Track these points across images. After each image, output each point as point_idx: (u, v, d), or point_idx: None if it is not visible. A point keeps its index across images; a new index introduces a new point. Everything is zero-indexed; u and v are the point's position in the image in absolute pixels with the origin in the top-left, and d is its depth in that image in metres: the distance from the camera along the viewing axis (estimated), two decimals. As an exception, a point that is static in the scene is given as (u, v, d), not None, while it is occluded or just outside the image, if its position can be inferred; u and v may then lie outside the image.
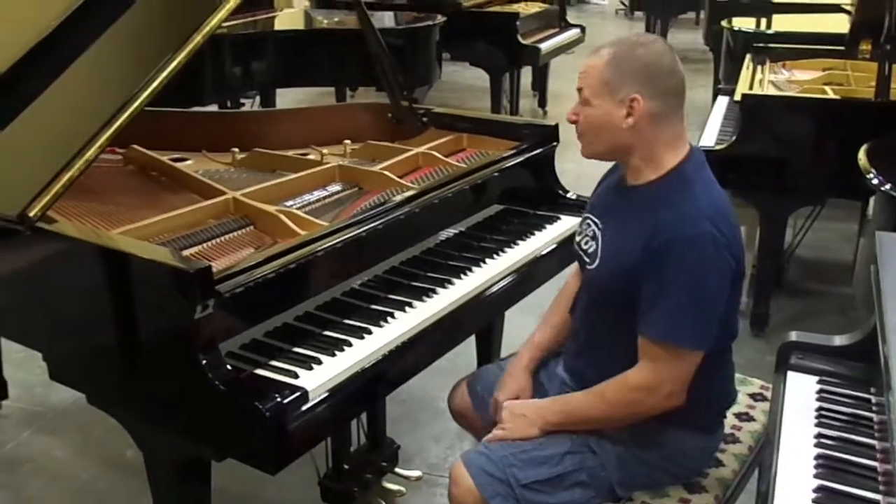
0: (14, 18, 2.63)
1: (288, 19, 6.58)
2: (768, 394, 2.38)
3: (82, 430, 3.32)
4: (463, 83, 9.15)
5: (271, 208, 2.38)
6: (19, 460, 3.18)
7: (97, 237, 2.09)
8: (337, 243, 2.17)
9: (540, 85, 8.27)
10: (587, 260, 2.12)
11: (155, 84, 2.13)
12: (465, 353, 3.04)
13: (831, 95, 3.91)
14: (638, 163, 2.02)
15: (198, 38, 2.21)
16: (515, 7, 7.49)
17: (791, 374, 2.04)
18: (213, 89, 5.19)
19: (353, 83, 7.36)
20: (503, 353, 3.12)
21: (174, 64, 2.17)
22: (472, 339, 3.09)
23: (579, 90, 2.02)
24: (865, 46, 4.12)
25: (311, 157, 2.99)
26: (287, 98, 6.97)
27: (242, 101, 6.61)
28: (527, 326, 2.47)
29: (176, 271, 1.84)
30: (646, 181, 2.03)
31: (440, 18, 6.21)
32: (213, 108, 5.72)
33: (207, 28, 2.22)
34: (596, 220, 2.14)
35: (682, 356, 1.92)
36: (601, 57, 1.98)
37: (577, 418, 2.06)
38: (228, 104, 6.16)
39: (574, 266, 2.37)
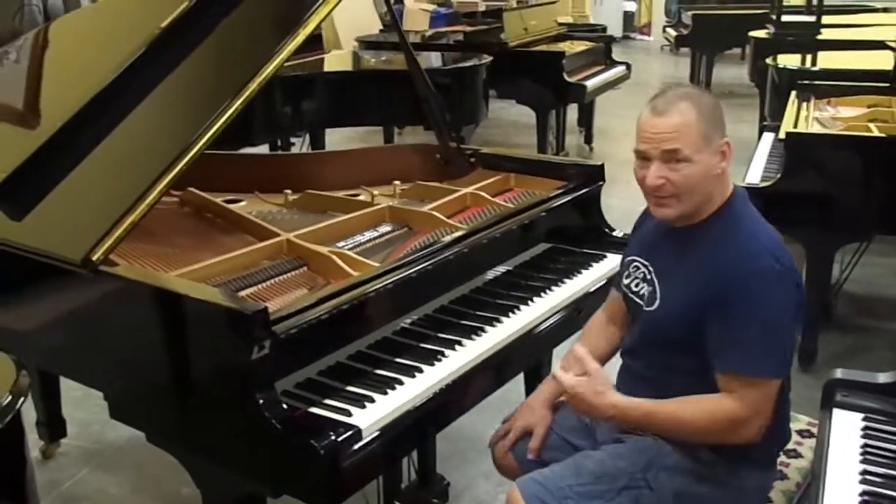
0: (77, 67, 2.74)
1: (337, 60, 6.70)
2: (815, 430, 2.39)
3: (138, 468, 3.39)
4: (508, 119, 9.23)
5: (324, 249, 2.45)
6: (77, 498, 3.25)
7: (156, 279, 2.16)
8: (388, 284, 2.23)
9: (586, 121, 8.33)
10: (642, 303, 2.16)
11: (214, 129, 2.21)
12: (515, 390, 3.07)
13: (875, 133, 3.92)
14: (703, 205, 2.06)
15: (254, 86, 2.28)
16: (561, 46, 7.59)
17: (836, 412, 2.06)
18: (264, 129, 5.32)
19: (401, 122, 7.47)
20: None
21: (232, 110, 2.25)
22: (520, 377, 3.12)
23: (672, 151, 1.97)
24: (911, 83, 4.14)
25: (361, 197, 3.06)
26: (336, 136, 7.08)
27: (292, 140, 6.73)
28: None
29: (234, 313, 1.91)
30: (696, 221, 2.07)
31: (487, 59, 6.31)
32: (264, 147, 5.86)
33: (264, 75, 2.29)
34: (645, 262, 2.18)
35: (763, 386, 1.96)
36: (688, 113, 1.98)
37: (660, 430, 2.07)
38: (279, 144, 6.29)
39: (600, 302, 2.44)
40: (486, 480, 3.30)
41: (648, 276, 2.16)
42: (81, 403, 3.62)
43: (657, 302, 2.11)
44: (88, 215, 2.31)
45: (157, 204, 2.18)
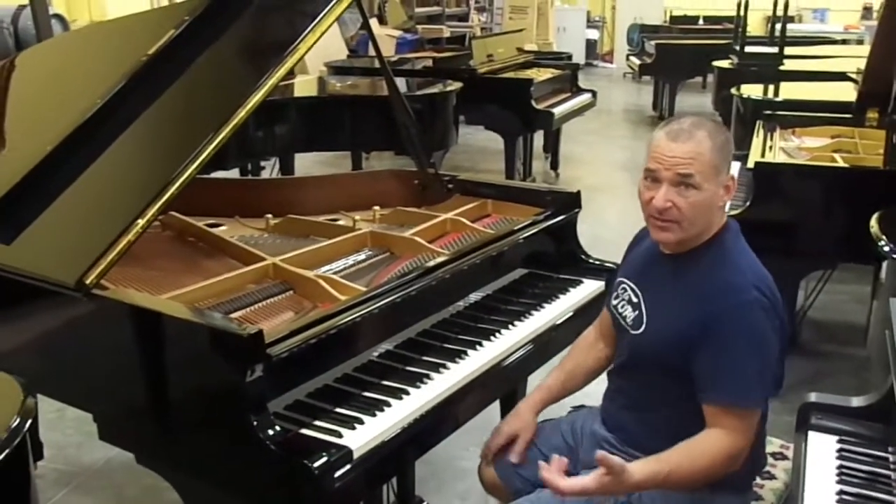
0: (65, 92, 2.77)
1: (304, 86, 6.75)
2: (788, 452, 2.46)
3: (117, 490, 3.38)
4: (476, 146, 9.31)
5: (310, 274, 2.49)
6: (55, 521, 3.25)
7: (149, 302, 2.18)
8: (375, 307, 2.27)
9: (552, 147, 8.42)
10: (629, 325, 2.21)
11: (206, 153, 2.26)
12: (490, 414, 3.10)
13: (841, 163, 4.02)
14: (700, 235, 2.11)
15: (246, 109, 2.34)
16: (529, 73, 7.68)
17: (812, 434, 2.13)
18: (237, 154, 5.33)
19: (370, 147, 7.52)
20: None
21: (224, 134, 2.30)
22: (496, 403, 3.17)
23: (685, 176, 2.02)
24: (872, 115, 4.26)
25: (341, 222, 3.10)
26: (304, 161, 7.11)
27: (262, 164, 6.75)
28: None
29: (229, 336, 1.94)
30: (686, 249, 2.13)
31: (457, 85, 6.39)
32: (235, 172, 5.87)
33: (256, 98, 2.35)
34: (634, 286, 2.23)
35: (750, 416, 2.01)
36: (704, 143, 2.01)
37: (665, 480, 2.02)
38: (249, 168, 6.31)
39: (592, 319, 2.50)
40: (462, 502, 3.33)
41: (635, 300, 2.21)
42: (56, 426, 3.62)
43: (643, 326, 2.16)
44: (80, 239, 2.33)
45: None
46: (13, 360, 2.42)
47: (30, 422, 1.43)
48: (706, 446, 2.01)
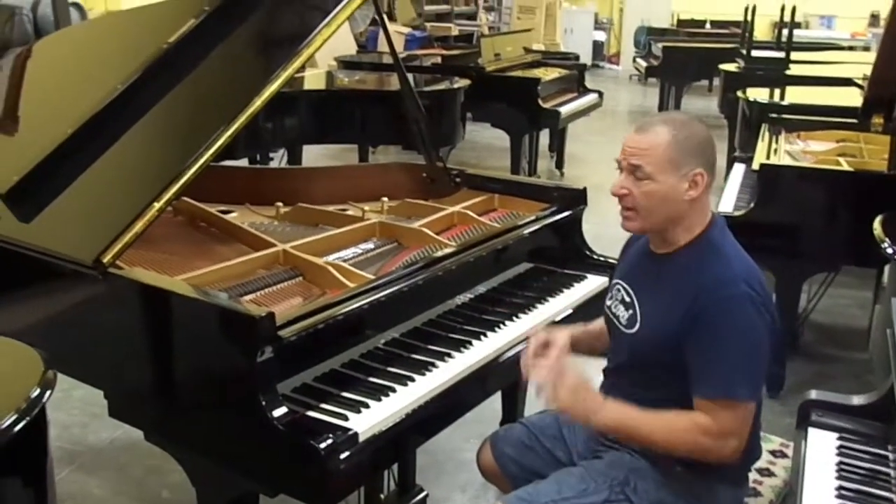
0: (86, 77, 2.81)
1: (313, 79, 6.79)
2: (788, 451, 2.49)
3: (120, 469, 3.42)
4: (482, 143, 9.34)
5: (320, 261, 2.52)
6: (60, 497, 3.26)
7: (164, 282, 2.22)
8: (383, 295, 2.30)
9: (557, 147, 8.44)
10: (623, 325, 2.24)
11: (224, 137, 2.30)
12: (490, 407, 3.14)
13: (846, 167, 4.05)
14: (677, 232, 2.15)
15: (257, 104, 2.38)
16: (537, 72, 7.72)
17: (812, 431, 2.16)
18: (246, 144, 5.37)
19: (376, 141, 7.56)
20: (527, 410, 3.24)
21: (235, 126, 2.34)
22: (497, 394, 3.20)
23: (636, 166, 2.09)
24: (878, 120, 4.28)
25: (350, 212, 3.13)
26: (311, 153, 7.14)
27: (271, 155, 6.79)
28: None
29: (242, 317, 1.98)
30: (675, 248, 2.16)
31: (464, 82, 6.42)
32: (244, 161, 5.91)
33: (266, 94, 2.40)
34: (627, 286, 2.26)
35: (739, 408, 2.03)
36: (661, 135, 2.08)
37: (635, 435, 2.11)
38: (258, 158, 6.34)
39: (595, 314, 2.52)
40: (462, 493, 3.36)
41: (628, 300, 2.24)
42: (61, 405, 3.66)
43: (637, 325, 2.19)
44: (98, 219, 2.38)
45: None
46: (28, 336, 2.45)
47: (49, 393, 1.46)
48: (689, 429, 2.04)
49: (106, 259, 2.15)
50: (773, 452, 2.53)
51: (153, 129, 2.55)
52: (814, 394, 2.24)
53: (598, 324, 2.45)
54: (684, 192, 2.09)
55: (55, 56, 3.33)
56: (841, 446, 2.09)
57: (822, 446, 2.10)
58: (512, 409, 3.28)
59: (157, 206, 2.20)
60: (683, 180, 2.09)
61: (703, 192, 2.11)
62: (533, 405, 3.02)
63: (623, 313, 2.24)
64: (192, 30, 2.67)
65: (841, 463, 2.02)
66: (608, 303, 2.33)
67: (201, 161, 2.27)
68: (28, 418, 1.40)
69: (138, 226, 2.18)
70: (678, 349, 2.07)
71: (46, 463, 1.53)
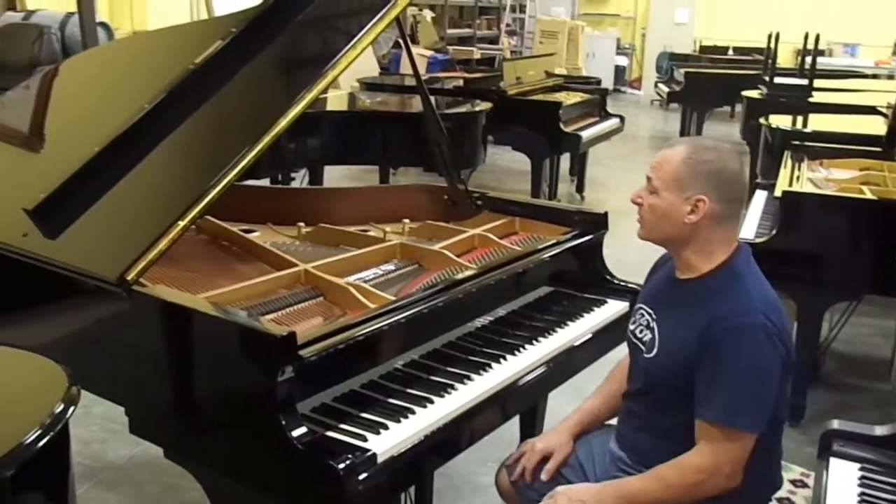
0: (112, 97, 2.83)
1: (335, 101, 6.82)
2: (809, 481, 2.47)
3: (139, 486, 3.43)
4: (502, 166, 9.36)
5: (341, 281, 2.53)
6: (78, 514, 3.29)
7: (186, 300, 2.22)
8: (404, 316, 2.30)
9: (578, 171, 8.44)
10: (643, 348, 2.24)
11: (249, 157, 2.32)
12: (508, 430, 3.13)
13: (869, 195, 4.03)
14: (690, 256, 2.16)
15: (281, 125, 2.41)
16: (558, 96, 7.73)
17: (833, 461, 2.14)
18: (269, 164, 5.40)
19: (397, 163, 7.58)
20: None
21: (260, 146, 2.36)
22: (516, 417, 3.19)
23: (648, 178, 2.16)
24: (903, 149, 4.26)
25: (371, 233, 3.14)
26: (332, 174, 7.17)
27: (292, 175, 6.82)
28: (567, 407, 2.59)
29: (264, 336, 1.99)
30: (698, 275, 2.17)
31: (485, 105, 6.44)
32: (266, 182, 5.94)
33: (290, 115, 2.42)
34: (650, 310, 2.27)
35: (738, 438, 2.03)
36: (677, 153, 2.12)
37: (637, 502, 2.12)
38: (279, 178, 6.37)
39: (617, 353, 2.52)
40: (479, 516, 3.36)
41: (651, 324, 2.25)
42: (81, 422, 3.67)
43: (655, 350, 2.20)
44: (123, 237, 2.39)
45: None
46: (52, 352, 2.46)
47: (73, 409, 1.47)
48: (682, 475, 2.07)
49: (130, 276, 2.17)
50: (793, 482, 2.51)
51: (179, 148, 2.58)
52: (836, 423, 2.21)
53: (606, 392, 2.47)
54: (685, 215, 2.11)
55: (82, 75, 3.37)
56: (863, 477, 2.07)
57: (843, 476, 2.08)
58: (530, 434, 3.26)
59: (181, 224, 2.22)
60: (686, 203, 2.10)
61: (703, 220, 2.11)
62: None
63: (645, 337, 2.24)
64: (218, 51, 2.69)
65: (863, 494, 2.00)
66: (631, 327, 2.34)
67: (225, 181, 2.29)
68: (52, 434, 1.41)
69: (162, 244, 2.20)
70: (690, 376, 2.08)
71: (69, 478, 1.54)
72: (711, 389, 2.03)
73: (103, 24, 7.15)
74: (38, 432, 1.38)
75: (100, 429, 3.71)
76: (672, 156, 2.12)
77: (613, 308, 2.99)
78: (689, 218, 2.10)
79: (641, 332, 2.28)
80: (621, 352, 2.51)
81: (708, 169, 2.10)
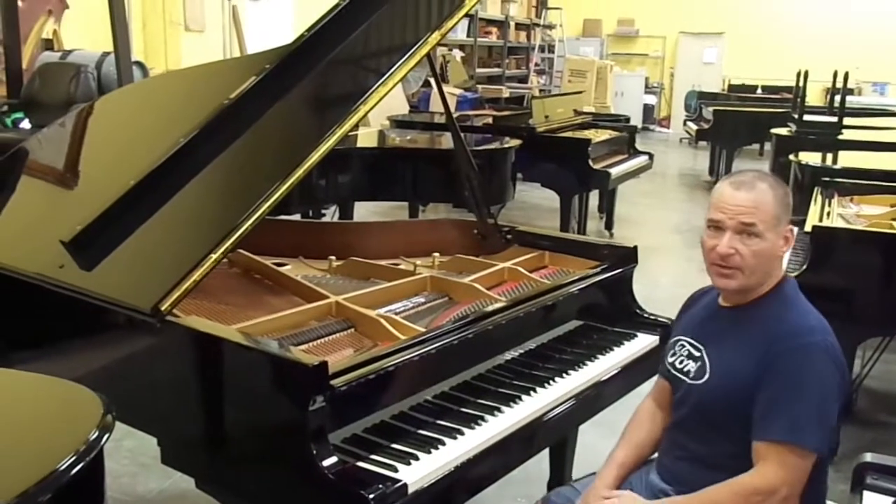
0: (148, 131, 2.88)
1: (365, 138, 6.88)
2: (841, 515, 2.45)
3: (167, 520, 3.45)
4: (531, 202, 9.38)
5: (372, 313, 2.55)
6: (108, 546, 3.30)
7: (219, 331, 2.25)
8: (434, 348, 2.32)
9: (607, 208, 8.46)
10: (690, 377, 2.23)
11: (274, 198, 2.35)
12: (536, 465, 3.12)
13: (901, 231, 4.02)
14: (754, 284, 2.16)
15: (313, 159, 2.44)
16: (587, 133, 7.76)
17: (867, 494, 2.12)
18: (300, 200, 5.45)
19: (426, 200, 7.62)
20: (575, 467, 3.21)
21: (291, 181, 2.40)
22: (545, 451, 3.18)
23: (748, 224, 2.10)
24: (933, 185, 4.25)
25: (402, 267, 3.16)
26: (362, 210, 7.22)
27: (323, 211, 6.87)
28: (597, 442, 2.57)
29: (296, 365, 2.01)
30: (748, 300, 2.18)
31: (515, 142, 6.48)
32: (297, 217, 5.98)
33: (321, 151, 2.46)
34: (693, 340, 2.27)
35: (802, 457, 2.02)
36: (767, 194, 2.12)
37: None
38: (311, 214, 6.42)
39: (646, 388, 2.51)
40: (509, 552, 3.34)
41: (696, 353, 2.24)
42: (111, 455, 3.68)
43: (706, 375, 2.19)
44: (157, 268, 2.43)
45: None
46: (87, 381, 2.50)
47: (107, 436, 1.48)
48: (732, 484, 2.04)
49: (164, 307, 2.20)
50: (826, 516, 2.49)
51: (212, 182, 2.62)
52: (869, 456, 2.20)
53: (634, 440, 2.40)
54: (780, 249, 2.14)
55: (118, 111, 3.43)
56: (896, 510, 2.05)
57: (877, 510, 2.06)
58: (560, 470, 3.26)
59: (213, 257, 2.25)
60: (780, 237, 2.13)
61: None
62: (581, 467, 3.01)
63: (691, 366, 2.24)
64: (251, 87, 2.74)
65: (897, 527, 1.98)
66: (670, 360, 2.33)
67: (257, 214, 2.32)
68: (86, 460, 1.42)
69: (196, 275, 2.23)
70: (749, 399, 2.07)
71: (103, 504, 1.55)
72: (775, 409, 2.02)
73: (138, 63, 7.26)
74: (73, 458, 1.39)
75: (130, 462, 3.73)
76: (765, 197, 2.11)
77: (643, 342, 2.98)
78: (782, 250, 2.15)
79: (682, 363, 2.27)
80: (651, 386, 2.50)
81: (788, 199, 2.16)
